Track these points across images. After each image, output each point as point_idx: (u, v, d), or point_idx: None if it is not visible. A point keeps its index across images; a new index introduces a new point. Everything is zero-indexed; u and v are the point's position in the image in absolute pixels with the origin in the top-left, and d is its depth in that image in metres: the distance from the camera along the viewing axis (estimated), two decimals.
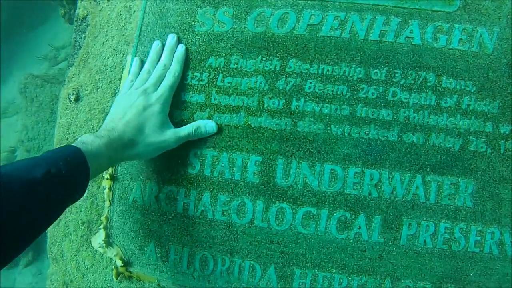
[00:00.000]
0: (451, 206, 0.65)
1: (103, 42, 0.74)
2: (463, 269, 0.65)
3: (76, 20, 0.80)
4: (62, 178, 0.51)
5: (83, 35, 0.77)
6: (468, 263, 0.65)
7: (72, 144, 0.57)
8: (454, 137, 0.65)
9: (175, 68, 0.67)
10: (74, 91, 0.74)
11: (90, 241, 0.75)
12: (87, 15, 0.79)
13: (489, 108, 0.66)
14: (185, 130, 0.65)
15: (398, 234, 0.64)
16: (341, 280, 0.65)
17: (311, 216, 0.64)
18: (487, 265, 0.65)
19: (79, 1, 0.81)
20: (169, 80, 0.66)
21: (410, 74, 0.66)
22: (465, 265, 0.65)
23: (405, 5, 0.68)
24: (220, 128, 0.66)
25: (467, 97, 0.66)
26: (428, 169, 0.65)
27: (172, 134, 0.64)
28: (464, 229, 0.65)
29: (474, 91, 0.66)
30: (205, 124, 0.65)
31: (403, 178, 0.64)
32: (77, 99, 0.74)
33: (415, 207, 0.64)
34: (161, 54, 0.69)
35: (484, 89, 0.66)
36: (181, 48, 0.68)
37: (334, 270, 0.65)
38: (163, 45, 0.69)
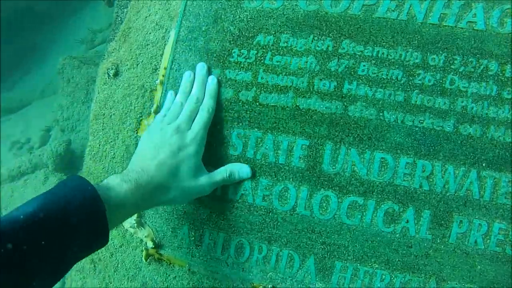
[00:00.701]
0: (508, 206, 0.59)
1: (146, 17, 0.71)
2: None
3: None
4: (72, 227, 0.44)
5: (125, 10, 0.74)
6: None
7: (95, 187, 0.49)
8: None
9: (208, 103, 0.62)
10: (113, 66, 0.71)
11: None
12: None
13: None
14: (219, 175, 0.60)
15: (448, 232, 0.59)
16: (383, 277, 0.60)
17: (357, 206, 0.59)
18: None
19: None
20: (203, 116, 0.61)
21: (470, 61, 0.60)
22: None
23: None
24: (266, 108, 0.62)
25: None
26: (484, 164, 0.59)
27: (206, 179, 0.59)
28: None
29: None
30: (239, 170, 0.61)
31: (457, 172, 0.59)
32: (116, 74, 0.71)
33: (467, 204, 0.59)
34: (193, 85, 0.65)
35: None
36: (212, 80, 0.64)
37: (377, 266, 0.60)
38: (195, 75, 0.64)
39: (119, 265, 0.74)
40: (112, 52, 0.74)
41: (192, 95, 0.63)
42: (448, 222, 0.61)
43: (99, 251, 0.74)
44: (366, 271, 0.61)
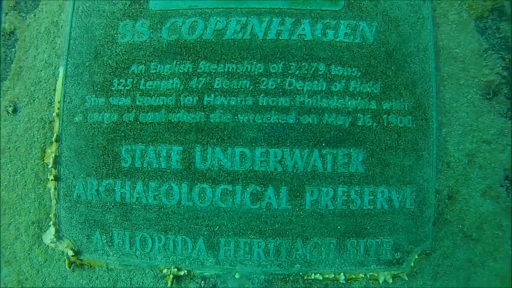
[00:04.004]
0: (346, 173, 0.89)
1: (35, 56, 0.93)
2: (361, 224, 0.90)
3: (3, 35, 0.98)
4: None
5: (13, 50, 0.95)
6: (365, 219, 0.90)
7: None
8: (344, 115, 0.89)
9: None
10: (11, 104, 0.92)
11: (41, 238, 0.93)
12: (14, 30, 0.97)
13: (372, 89, 0.90)
14: None
15: (303, 201, 0.88)
16: (260, 244, 0.87)
17: (228, 192, 0.86)
18: (380, 218, 0.90)
19: (3, 15, 0.98)
20: None
21: (304, 65, 0.89)
22: (363, 220, 0.90)
23: (297, 6, 0.90)
24: (145, 125, 0.87)
25: (353, 81, 0.90)
26: (323, 144, 0.88)
27: None
28: (359, 191, 0.89)
29: (359, 76, 0.90)
30: None
31: (303, 153, 0.87)
32: (15, 111, 0.93)
33: (315, 177, 0.88)
34: None
35: (368, 74, 0.90)
36: None
37: (253, 236, 0.87)
38: None
39: (46, 279, 0.96)
40: (7, 90, 0.94)
41: None
42: (302, 193, 0.90)
43: (25, 270, 0.97)
44: (245, 241, 0.89)
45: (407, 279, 0.92)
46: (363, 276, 0.91)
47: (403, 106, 0.91)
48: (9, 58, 0.95)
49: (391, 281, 0.92)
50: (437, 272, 0.95)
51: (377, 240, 0.89)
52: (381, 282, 0.92)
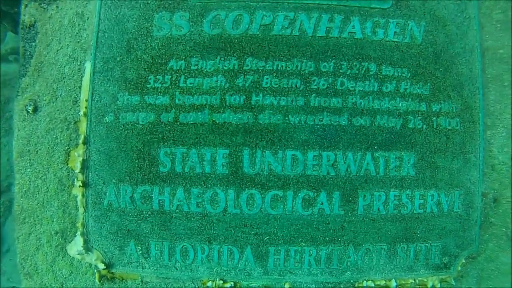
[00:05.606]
0: (398, 176, 0.83)
1: (57, 50, 0.81)
2: (411, 229, 0.84)
3: (22, 28, 0.85)
4: None
5: (33, 44, 0.83)
6: (415, 223, 0.84)
7: None
8: (396, 117, 0.83)
9: None
10: (31, 102, 0.80)
11: (66, 249, 0.82)
12: (35, 22, 0.85)
13: (422, 90, 0.85)
14: None
15: (356, 206, 0.81)
16: (311, 252, 0.80)
17: (279, 198, 0.78)
18: (430, 222, 0.85)
19: (23, 7, 0.86)
20: None
21: (355, 65, 0.82)
22: (413, 225, 0.84)
23: (346, 3, 0.83)
24: (187, 126, 0.77)
25: (404, 82, 0.84)
26: (376, 147, 0.82)
27: None
28: (410, 195, 0.83)
29: (409, 77, 0.84)
30: None
31: (355, 156, 0.80)
32: (35, 110, 0.81)
33: (368, 181, 0.81)
34: None
35: (417, 74, 0.85)
36: None
37: (304, 244, 0.80)
38: None
39: None
40: (27, 87, 0.82)
41: None
42: (354, 198, 0.83)
43: (47, 284, 0.85)
44: (296, 250, 0.82)
45: (454, 283, 0.87)
46: (412, 281, 0.86)
47: (452, 108, 0.86)
48: (28, 53, 0.82)
49: (438, 285, 0.87)
50: (481, 276, 0.91)
51: (427, 244, 0.84)
52: (429, 287, 0.87)
